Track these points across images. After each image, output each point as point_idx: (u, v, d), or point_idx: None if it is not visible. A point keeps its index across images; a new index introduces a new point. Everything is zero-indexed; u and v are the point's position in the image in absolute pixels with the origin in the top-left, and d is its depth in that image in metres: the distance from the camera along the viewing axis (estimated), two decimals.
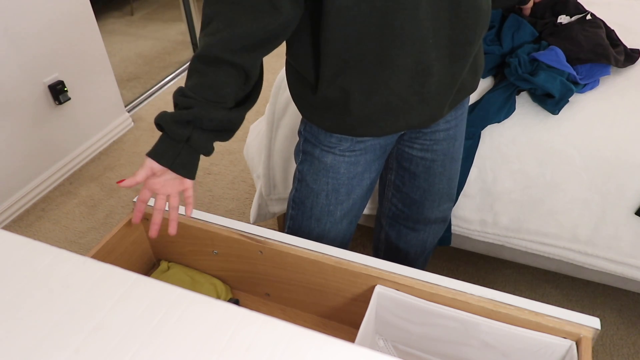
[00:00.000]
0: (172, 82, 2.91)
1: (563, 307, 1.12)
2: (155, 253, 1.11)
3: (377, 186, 1.28)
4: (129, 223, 0.99)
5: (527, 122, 1.24)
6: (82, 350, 0.61)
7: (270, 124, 1.45)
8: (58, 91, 2.04)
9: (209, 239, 0.99)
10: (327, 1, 0.75)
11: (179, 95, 0.78)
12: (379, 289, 0.86)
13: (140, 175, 0.80)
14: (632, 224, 1.21)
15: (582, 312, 1.16)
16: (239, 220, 1.44)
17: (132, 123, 2.52)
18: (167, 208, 0.88)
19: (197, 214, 0.99)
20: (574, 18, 1.39)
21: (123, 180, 0.82)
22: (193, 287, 1.04)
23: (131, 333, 0.63)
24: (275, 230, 1.11)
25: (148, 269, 1.11)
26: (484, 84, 1.33)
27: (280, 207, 1.59)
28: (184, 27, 3.34)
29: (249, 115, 2.42)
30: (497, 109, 1.24)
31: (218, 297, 1.03)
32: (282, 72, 1.38)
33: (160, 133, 0.80)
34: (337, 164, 0.99)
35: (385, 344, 0.98)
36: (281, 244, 0.92)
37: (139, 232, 1.03)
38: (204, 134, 0.79)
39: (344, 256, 0.89)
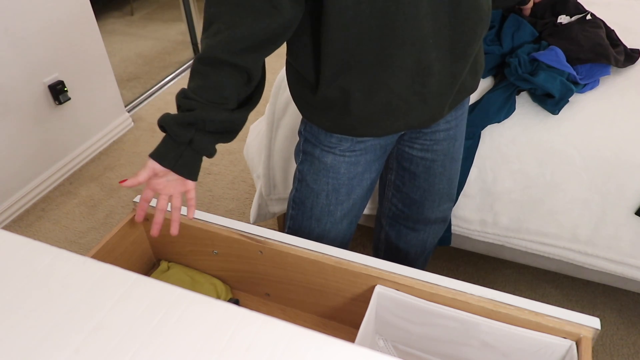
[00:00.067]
0: (172, 82, 2.91)
1: (563, 307, 1.12)
2: (155, 253, 1.11)
3: (377, 186, 1.28)
4: (129, 223, 0.99)
5: (527, 122, 1.24)
6: (82, 350, 0.61)
7: (270, 124, 1.45)
8: (58, 91, 2.04)
9: (209, 239, 0.99)
10: (328, 1, 0.75)
11: (182, 97, 0.78)
12: (379, 289, 0.86)
13: (142, 176, 0.80)
14: (632, 224, 1.21)
15: (582, 312, 1.15)
16: (239, 220, 1.44)
17: (132, 123, 2.52)
18: (169, 209, 0.88)
19: (197, 214, 0.99)
20: (574, 18, 1.39)
21: (125, 180, 0.82)
22: (193, 287, 1.04)
23: (131, 333, 0.63)
24: (275, 230, 1.11)
25: (148, 269, 1.11)
26: (484, 84, 1.33)
27: (280, 207, 1.59)
28: (184, 27, 3.34)
29: (249, 115, 2.41)
30: (497, 109, 1.24)
31: (218, 297, 1.04)
32: (282, 72, 1.38)
33: (162, 134, 0.80)
34: (337, 164, 0.99)
35: (385, 344, 0.98)
36: (281, 244, 0.92)
37: (139, 232, 1.03)
38: (206, 135, 0.79)
39: (344, 256, 0.89)
